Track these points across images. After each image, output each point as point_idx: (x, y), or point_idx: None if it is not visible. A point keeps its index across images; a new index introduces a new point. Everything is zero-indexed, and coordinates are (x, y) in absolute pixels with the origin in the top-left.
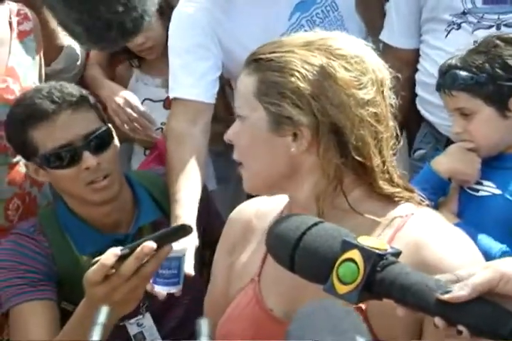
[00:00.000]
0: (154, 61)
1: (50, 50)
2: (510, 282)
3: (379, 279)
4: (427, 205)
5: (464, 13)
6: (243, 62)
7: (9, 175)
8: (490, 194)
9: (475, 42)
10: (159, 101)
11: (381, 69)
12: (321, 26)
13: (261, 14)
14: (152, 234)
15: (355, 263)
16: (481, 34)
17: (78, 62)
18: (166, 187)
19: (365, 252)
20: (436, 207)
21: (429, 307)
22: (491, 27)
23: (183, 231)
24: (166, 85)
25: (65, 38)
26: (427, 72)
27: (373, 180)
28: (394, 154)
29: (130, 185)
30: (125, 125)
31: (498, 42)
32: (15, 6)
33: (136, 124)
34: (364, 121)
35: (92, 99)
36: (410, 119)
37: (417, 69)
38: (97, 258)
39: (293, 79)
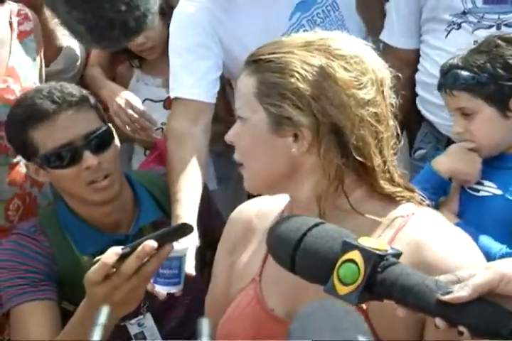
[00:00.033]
0: (155, 61)
1: (49, 51)
2: (511, 283)
3: (379, 280)
4: (428, 205)
5: (464, 12)
6: (243, 61)
7: (10, 175)
8: (490, 194)
9: (475, 42)
10: (160, 101)
11: (381, 69)
12: (321, 26)
13: (261, 14)
14: (153, 234)
15: (356, 264)
16: (482, 34)
17: (78, 63)
18: (167, 187)
19: (366, 253)
20: (437, 206)
21: (430, 307)
22: (491, 27)
23: (184, 230)
24: (166, 85)
25: (64, 39)
26: (427, 72)
27: (374, 180)
28: (395, 154)
29: (131, 184)
30: (126, 126)
31: (499, 42)
32: (15, 6)
33: (136, 125)
34: (364, 121)
35: (92, 99)
36: (411, 119)
37: (417, 69)
38: (97, 258)
39: (293, 80)
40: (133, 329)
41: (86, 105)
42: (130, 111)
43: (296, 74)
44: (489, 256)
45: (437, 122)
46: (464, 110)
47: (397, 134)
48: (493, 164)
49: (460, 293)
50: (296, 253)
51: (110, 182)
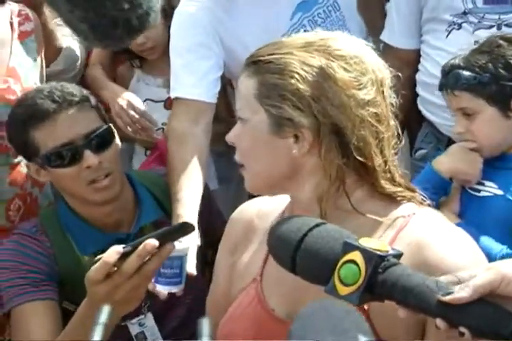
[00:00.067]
0: (155, 61)
1: (49, 52)
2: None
3: (380, 281)
4: (429, 205)
5: (464, 13)
6: (244, 61)
7: (10, 175)
8: (491, 194)
9: (476, 42)
10: (160, 101)
11: (381, 69)
12: (322, 26)
13: (262, 14)
14: (154, 232)
15: (357, 264)
16: (482, 34)
17: (78, 63)
18: (168, 187)
19: (367, 254)
20: (438, 206)
21: (431, 308)
22: (491, 27)
23: (185, 229)
24: (167, 85)
25: (63, 39)
26: (428, 72)
27: (375, 180)
28: (395, 153)
29: (131, 184)
30: (128, 127)
31: (501, 42)
32: (16, 7)
33: (138, 126)
34: (365, 122)
35: (93, 98)
36: (411, 119)
37: (417, 70)
38: (99, 256)
39: (293, 81)
40: (134, 329)
41: (86, 105)
42: (131, 112)
43: (296, 75)
44: (490, 257)
45: (438, 122)
46: (465, 110)
47: (398, 134)
48: (494, 164)
49: (461, 293)
50: (296, 254)
51: (111, 182)
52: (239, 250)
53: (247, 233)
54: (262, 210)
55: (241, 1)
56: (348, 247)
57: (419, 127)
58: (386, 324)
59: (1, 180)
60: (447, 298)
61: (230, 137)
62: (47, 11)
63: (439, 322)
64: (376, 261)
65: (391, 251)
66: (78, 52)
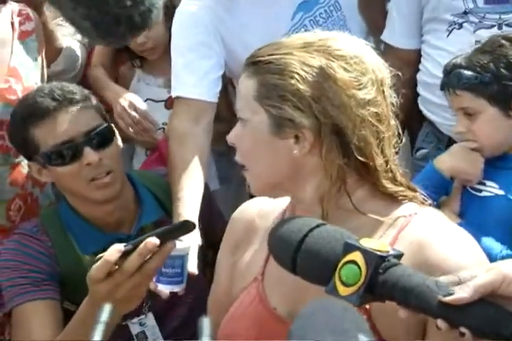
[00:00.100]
0: (156, 61)
1: (49, 52)
2: None
3: (381, 281)
4: (430, 205)
5: (465, 12)
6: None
7: (11, 175)
8: (492, 194)
9: (477, 42)
10: (161, 101)
11: (381, 69)
12: (324, 26)
13: (262, 14)
14: (155, 231)
15: (357, 265)
16: (483, 34)
17: (78, 63)
18: (169, 187)
19: (367, 254)
20: (438, 206)
21: (432, 309)
22: (492, 27)
23: (186, 227)
24: (168, 85)
25: (63, 39)
26: (429, 72)
27: (376, 180)
28: (396, 153)
29: (132, 184)
30: (129, 128)
31: (503, 41)
32: (17, 6)
33: (139, 127)
34: (365, 121)
35: (93, 98)
36: (412, 118)
37: (418, 70)
38: (100, 255)
39: (293, 81)
40: (134, 328)
41: (87, 103)
42: (133, 113)
43: (296, 76)
44: (490, 257)
45: (438, 122)
46: (466, 110)
47: (399, 133)
48: (495, 164)
49: (461, 294)
50: (297, 255)
51: (112, 180)
52: (240, 249)
53: (248, 232)
54: (263, 210)
55: (242, 0)
56: (349, 248)
57: (419, 127)
58: (387, 324)
59: (2, 180)
60: (448, 299)
61: (231, 138)
62: (47, 11)
63: (439, 322)
64: (377, 262)
65: (391, 252)
66: (78, 53)
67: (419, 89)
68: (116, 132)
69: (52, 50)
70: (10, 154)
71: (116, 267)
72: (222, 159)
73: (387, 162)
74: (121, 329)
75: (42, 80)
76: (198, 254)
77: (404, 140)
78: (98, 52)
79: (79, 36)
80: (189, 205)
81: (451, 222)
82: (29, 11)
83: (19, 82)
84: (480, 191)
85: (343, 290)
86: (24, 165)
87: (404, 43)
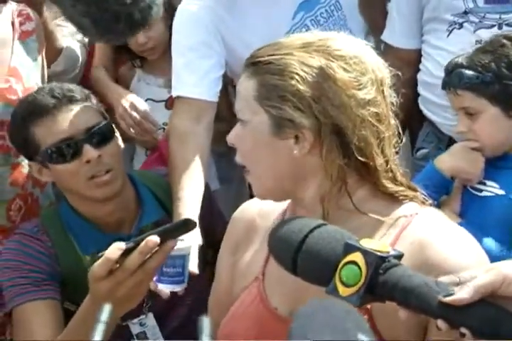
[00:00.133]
0: (156, 61)
1: (49, 52)
2: None
3: (381, 282)
4: (431, 205)
5: (465, 12)
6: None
7: (12, 175)
8: (493, 194)
9: (477, 41)
10: (161, 101)
11: (381, 69)
12: (324, 26)
13: (262, 13)
14: (156, 229)
15: (358, 265)
16: (483, 34)
17: (78, 64)
18: (169, 187)
19: (368, 255)
20: (438, 206)
21: (432, 309)
22: (492, 26)
23: (187, 226)
24: (168, 85)
25: (64, 40)
26: (429, 71)
27: (377, 179)
28: (396, 152)
29: (133, 184)
30: (131, 129)
31: (505, 41)
32: (17, 7)
33: (140, 127)
34: (365, 121)
35: (93, 97)
36: (413, 118)
37: (418, 69)
38: (101, 253)
39: (293, 82)
40: (135, 328)
41: (86, 101)
42: (134, 114)
43: (296, 76)
44: (490, 257)
45: (439, 122)
46: (467, 109)
47: (399, 133)
48: (496, 164)
49: (462, 294)
50: (298, 255)
51: (112, 178)
52: (241, 249)
53: (248, 232)
54: (263, 209)
55: (242, 0)
56: (349, 248)
57: (420, 126)
58: (388, 324)
59: (2, 180)
60: (448, 299)
61: (231, 138)
62: (47, 11)
63: (440, 323)
64: (377, 262)
65: (392, 252)
66: (79, 53)
67: (420, 89)
68: (117, 132)
69: (52, 51)
70: (10, 154)
71: (117, 265)
72: (223, 159)
73: (387, 162)
74: (121, 329)
75: (42, 80)
76: (199, 254)
77: (404, 140)
78: (99, 53)
79: (79, 36)
80: (190, 205)
81: (451, 222)
82: (29, 11)
83: (19, 82)
84: (480, 191)
85: (343, 291)
86: (25, 165)
87: (405, 43)
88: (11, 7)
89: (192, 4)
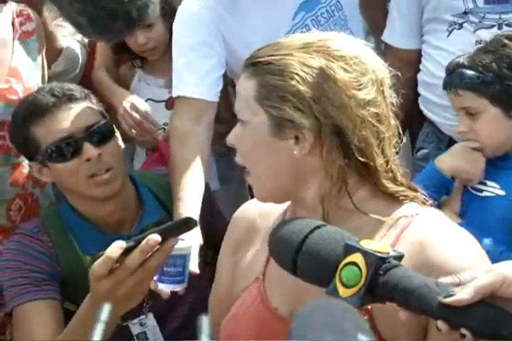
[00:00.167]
0: (157, 61)
1: (49, 53)
2: None
3: (382, 283)
4: (431, 205)
5: (465, 13)
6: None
7: (12, 175)
8: (493, 195)
9: (477, 42)
10: (162, 101)
11: (381, 69)
12: (325, 26)
13: (263, 13)
14: (157, 228)
15: (358, 266)
16: (483, 34)
17: (78, 64)
18: (169, 187)
19: (368, 255)
20: (439, 206)
21: (432, 310)
22: (492, 27)
23: (188, 224)
24: (168, 86)
25: (63, 40)
26: (429, 72)
27: (377, 180)
28: (397, 153)
29: (134, 184)
30: (132, 129)
31: (506, 41)
32: (17, 7)
33: (140, 127)
34: (366, 122)
35: (93, 96)
36: (413, 119)
37: (418, 70)
38: (101, 252)
39: (293, 82)
40: (135, 329)
41: (86, 100)
42: (135, 114)
43: (296, 77)
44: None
45: (439, 122)
46: (468, 110)
47: (399, 133)
48: (496, 164)
49: (462, 295)
50: (298, 256)
51: (111, 177)
52: (241, 249)
53: (249, 232)
54: (264, 210)
55: (243, 0)
56: (349, 249)
57: (420, 127)
58: (388, 324)
59: (3, 180)
60: (448, 300)
61: (230, 139)
62: (46, 12)
63: (440, 324)
64: (377, 263)
65: (392, 253)
66: (79, 53)
67: (420, 89)
68: (117, 131)
69: (52, 51)
70: (11, 154)
71: (118, 264)
72: (223, 159)
73: (387, 162)
74: (121, 329)
75: (43, 81)
76: (199, 254)
77: (404, 140)
78: (101, 54)
79: (79, 37)
80: (190, 205)
81: (452, 222)
82: (30, 11)
83: (20, 82)
84: (481, 191)
85: (343, 292)
86: (25, 166)
87: (405, 43)
88: (11, 7)
89: (193, 4)
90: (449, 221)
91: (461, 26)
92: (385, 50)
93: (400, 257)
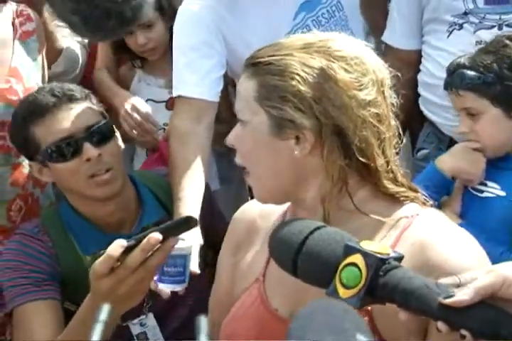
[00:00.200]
0: (157, 61)
1: (50, 53)
2: None
3: (382, 284)
4: (431, 205)
5: (465, 13)
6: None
7: (12, 176)
8: (494, 195)
9: (477, 42)
10: (162, 102)
11: (381, 70)
12: (326, 26)
13: (263, 13)
14: (157, 227)
15: (358, 267)
16: (483, 34)
17: (78, 64)
18: (170, 187)
19: (368, 256)
20: (439, 206)
21: (432, 311)
22: (492, 27)
23: (189, 223)
24: (169, 86)
25: (64, 40)
26: (429, 72)
27: (378, 180)
28: (397, 153)
29: (134, 185)
30: (133, 130)
31: (507, 42)
32: (17, 7)
33: (141, 128)
34: (366, 122)
35: (93, 96)
36: (413, 119)
37: (419, 70)
38: (102, 251)
39: (294, 82)
40: (135, 329)
41: (86, 101)
42: (135, 115)
43: (297, 77)
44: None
45: (439, 122)
46: (469, 110)
47: (399, 134)
48: (497, 165)
49: (462, 296)
50: (298, 257)
51: (111, 177)
52: (242, 250)
53: (249, 233)
54: (264, 210)
55: (243, 0)
56: (349, 250)
57: (420, 127)
58: (388, 325)
59: (3, 181)
60: (448, 301)
61: (230, 139)
62: (47, 12)
63: (440, 325)
64: (377, 264)
65: (392, 254)
66: (79, 54)
67: (420, 90)
68: (117, 132)
69: (52, 51)
70: (11, 154)
71: (119, 263)
72: (223, 159)
73: (388, 162)
74: (121, 330)
75: (43, 81)
76: (199, 254)
77: (405, 140)
78: (101, 55)
79: (79, 37)
80: (190, 205)
81: (452, 223)
82: (30, 11)
83: (20, 83)
84: (481, 192)
85: (343, 293)
86: (25, 166)
87: (405, 44)
88: (12, 7)
89: (193, 4)
90: (450, 221)
91: (461, 27)
92: (385, 51)
93: (400, 258)
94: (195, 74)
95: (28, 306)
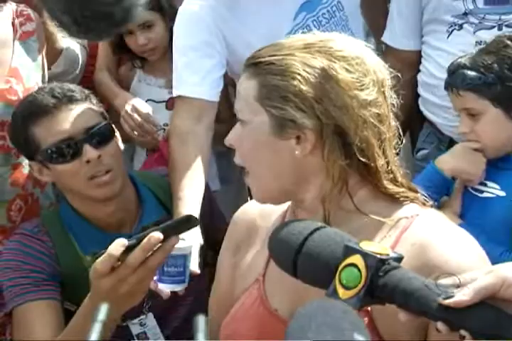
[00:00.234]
0: (157, 62)
1: (50, 53)
2: None
3: (381, 284)
4: (431, 206)
5: (465, 13)
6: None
7: (12, 176)
8: (494, 195)
9: (477, 42)
10: (162, 102)
11: (381, 70)
12: (326, 26)
13: (263, 13)
14: (158, 226)
15: (358, 268)
16: (483, 35)
17: (78, 65)
18: (170, 187)
19: (367, 257)
20: (439, 206)
21: (432, 312)
22: (492, 27)
23: (189, 222)
24: (169, 86)
25: (63, 41)
26: (429, 72)
27: (378, 180)
28: (397, 153)
29: (134, 185)
30: (134, 131)
31: (508, 42)
32: (18, 7)
33: (142, 129)
34: (367, 122)
35: (93, 97)
36: (413, 119)
37: (418, 70)
38: (103, 250)
39: (295, 82)
40: (135, 329)
41: (86, 101)
42: (135, 116)
43: (298, 77)
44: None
45: (439, 123)
46: (469, 110)
47: (399, 134)
48: (497, 165)
49: (461, 297)
50: (298, 258)
51: (111, 178)
52: (242, 250)
53: (249, 233)
54: (264, 210)
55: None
56: (349, 251)
57: (420, 127)
58: (388, 326)
59: (3, 181)
60: (448, 302)
61: (230, 140)
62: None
63: (440, 325)
64: (377, 265)
65: (392, 255)
66: (79, 54)
67: (420, 90)
68: (117, 132)
69: (52, 52)
70: (11, 154)
71: (120, 262)
72: (223, 160)
73: (388, 163)
74: (121, 329)
75: (43, 81)
76: (199, 254)
77: (404, 141)
78: (102, 55)
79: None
80: (190, 205)
81: (452, 223)
82: (30, 11)
83: (20, 83)
84: (481, 192)
85: (343, 293)
86: (25, 166)
87: (405, 44)
88: (12, 7)
89: (194, 4)
90: (450, 222)
91: (461, 27)
92: (385, 51)
93: (399, 259)
94: (195, 74)
95: (27, 306)
